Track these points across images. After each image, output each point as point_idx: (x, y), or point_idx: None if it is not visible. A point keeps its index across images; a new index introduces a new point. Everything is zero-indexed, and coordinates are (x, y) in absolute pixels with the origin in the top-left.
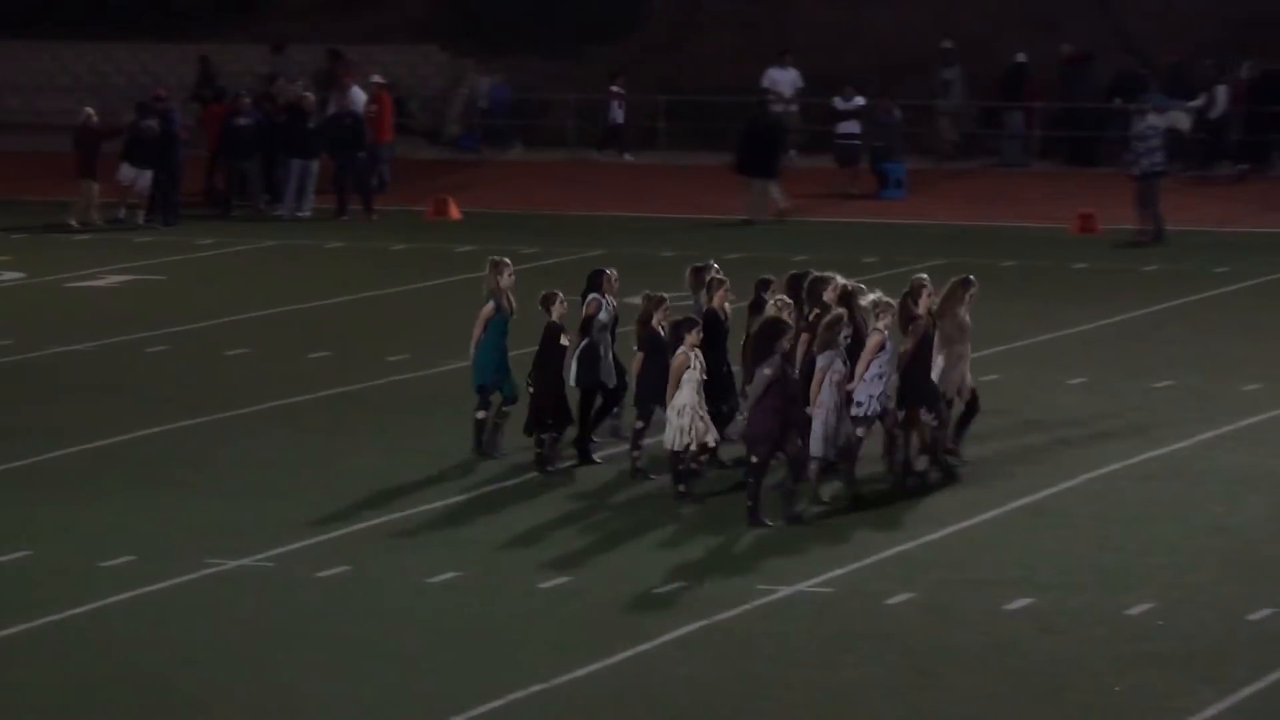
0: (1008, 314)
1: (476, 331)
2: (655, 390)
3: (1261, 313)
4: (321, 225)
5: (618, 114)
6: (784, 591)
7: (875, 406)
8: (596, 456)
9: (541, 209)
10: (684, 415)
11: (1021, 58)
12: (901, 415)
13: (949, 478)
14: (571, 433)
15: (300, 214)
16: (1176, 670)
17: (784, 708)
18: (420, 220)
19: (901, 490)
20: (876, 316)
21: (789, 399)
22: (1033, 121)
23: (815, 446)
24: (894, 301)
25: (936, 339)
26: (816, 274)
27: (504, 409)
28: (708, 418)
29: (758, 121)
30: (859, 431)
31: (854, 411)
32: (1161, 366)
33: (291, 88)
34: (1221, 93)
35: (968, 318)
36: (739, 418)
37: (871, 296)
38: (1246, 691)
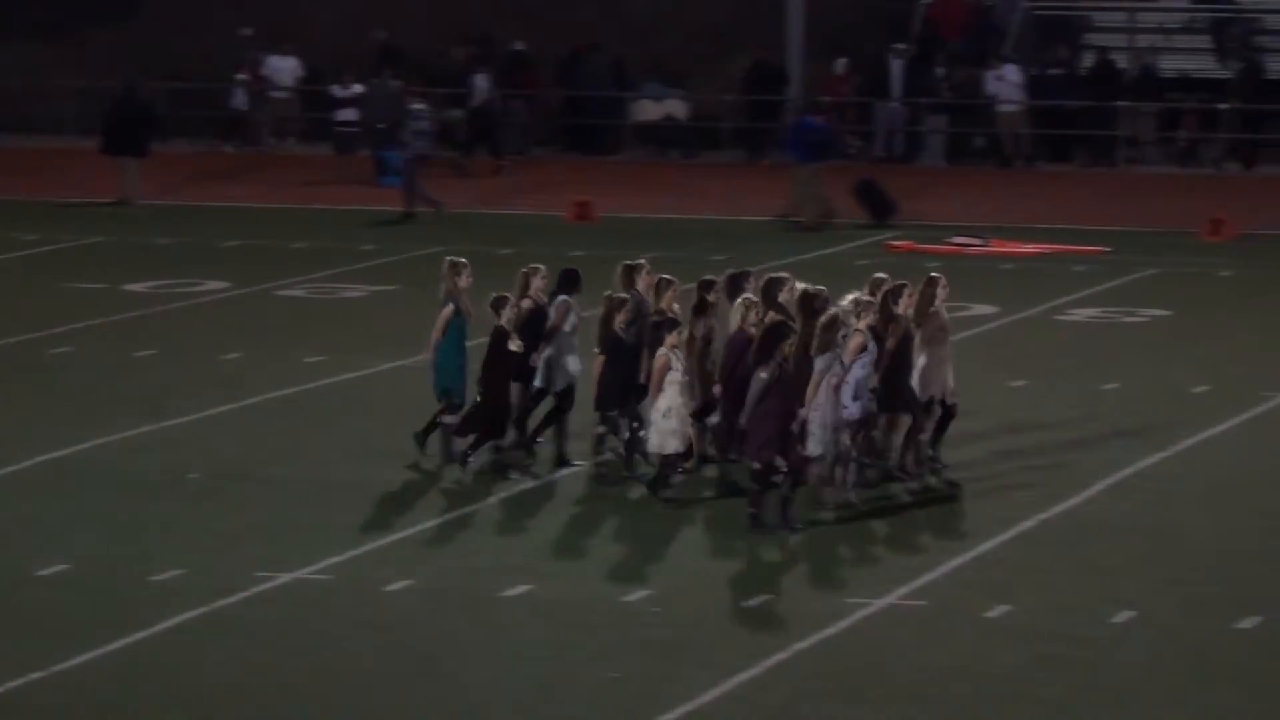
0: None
1: (435, 335)
2: (616, 393)
3: None
4: None
5: (243, 101)
6: (284, 579)
7: (856, 410)
8: (575, 461)
9: (43, 196)
10: (670, 418)
11: (520, 45)
12: (883, 420)
13: (887, 480)
14: (509, 440)
15: None
16: (672, 656)
17: (283, 696)
18: None
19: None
20: (858, 316)
21: (788, 403)
22: (534, 110)
23: (813, 449)
24: (875, 300)
25: (916, 341)
26: (771, 275)
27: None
28: (689, 422)
29: (125, 101)
30: (845, 435)
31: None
32: None
33: None
34: (480, 80)
35: (946, 316)
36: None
37: (852, 296)
38: (741, 677)
